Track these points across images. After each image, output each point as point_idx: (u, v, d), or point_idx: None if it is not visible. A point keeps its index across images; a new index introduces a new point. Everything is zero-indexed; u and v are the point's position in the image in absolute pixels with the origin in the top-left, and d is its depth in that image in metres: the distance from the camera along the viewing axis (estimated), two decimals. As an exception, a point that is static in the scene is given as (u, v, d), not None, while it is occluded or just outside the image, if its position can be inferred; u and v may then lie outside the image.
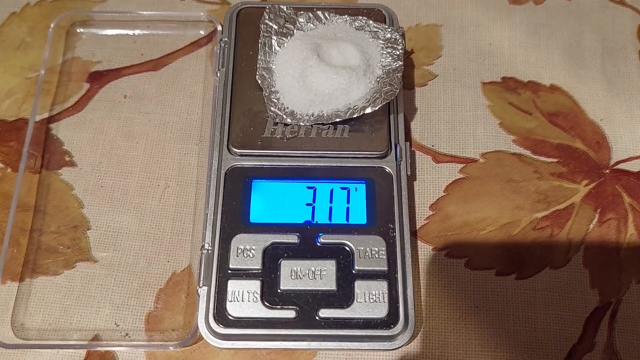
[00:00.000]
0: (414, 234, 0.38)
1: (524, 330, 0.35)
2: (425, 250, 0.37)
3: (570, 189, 0.39)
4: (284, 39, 0.40)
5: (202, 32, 0.44)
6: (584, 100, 0.42)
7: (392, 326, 0.33)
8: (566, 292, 0.36)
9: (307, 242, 0.35)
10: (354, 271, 0.34)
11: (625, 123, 0.41)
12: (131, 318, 0.35)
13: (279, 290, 0.34)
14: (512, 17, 0.45)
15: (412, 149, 0.40)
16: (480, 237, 0.37)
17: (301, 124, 0.37)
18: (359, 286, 0.34)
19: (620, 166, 0.40)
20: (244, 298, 0.33)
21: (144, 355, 0.34)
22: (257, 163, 0.37)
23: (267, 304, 0.33)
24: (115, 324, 0.35)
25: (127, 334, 0.35)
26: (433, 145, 0.40)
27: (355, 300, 0.33)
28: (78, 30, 0.44)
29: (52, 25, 0.43)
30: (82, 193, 0.39)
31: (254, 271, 0.34)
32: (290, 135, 0.37)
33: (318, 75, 0.37)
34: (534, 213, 0.38)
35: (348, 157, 0.37)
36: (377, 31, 0.40)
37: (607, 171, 0.39)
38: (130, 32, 0.44)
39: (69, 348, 0.35)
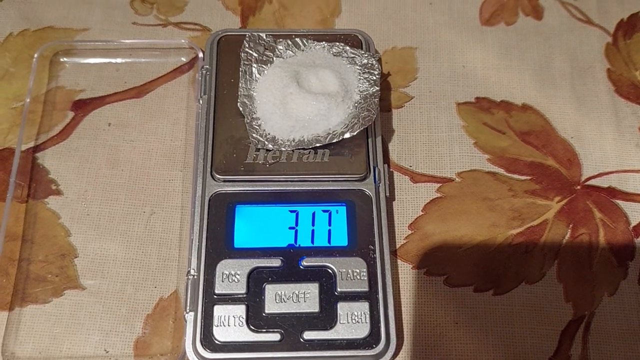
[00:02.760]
0: (394, 253, 0.39)
1: (503, 345, 0.36)
2: (405, 269, 0.38)
3: (544, 206, 0.40)
4: (264, 66, 0.41)
5: (183, 58, 0.45)
6: (555, 119, 0.43)
7: (374, 346, 0.34)
8: (542, 307, 0.37)
9: (291, 265, 0.36)
10: (336, 293, 0.35)
11: (594, 140, 0.42)
12: (120, 344, 0.36)
13: (263, 314, 0.35)
14: (485, 39, 0.46)
15: (391, 169, 0.41)
16: (458, 255, 0.39)
17: (282, 149, 0.38)
18: (342, 307, 0.35)
19: (590, 182, 0.41)
20: (230, 322, 0.34)
21: (134, 381, 0.35)
22: (240, 188, 0.38)
23: (253, 328, 0.34)
24: (105, 350, 0.36)
25: (116, 360, 0.36)
26: (411, 166, 0.42)
27: (338, 322, 0.34)
28: (61, 60, 0.45)
29: (35, 55, 0.44)
30: (69, 221, 0.39)
31: (239, 296, 0.35)
32: (272, 161, 0.38)
33: (298, 102, 0.39)
34: (509, 230, 0.39)
35: (329, 181, 0.38)
36: (354, 57, 0.41)
37: (579, 187, 0.41)
38: (113, 61, 0.45)
39: (60, 376, 0.35)
